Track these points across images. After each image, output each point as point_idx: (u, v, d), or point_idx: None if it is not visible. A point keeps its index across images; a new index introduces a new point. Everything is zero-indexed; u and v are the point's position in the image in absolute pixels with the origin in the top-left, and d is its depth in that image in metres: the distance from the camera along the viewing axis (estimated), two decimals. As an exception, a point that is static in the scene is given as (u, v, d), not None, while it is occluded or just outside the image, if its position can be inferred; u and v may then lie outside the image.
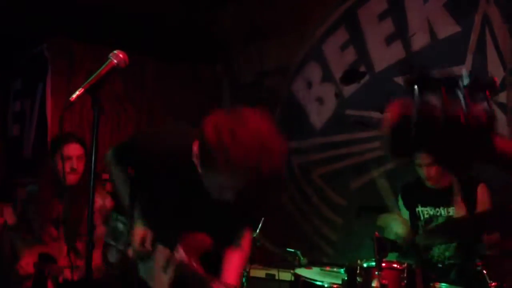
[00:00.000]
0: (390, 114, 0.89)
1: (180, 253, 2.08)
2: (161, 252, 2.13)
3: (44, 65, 4.08)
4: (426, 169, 3.18)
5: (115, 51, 1.76)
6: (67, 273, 2.88)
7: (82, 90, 1.65)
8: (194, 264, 2.06)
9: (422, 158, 3.18)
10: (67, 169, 2.96)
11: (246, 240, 2.19)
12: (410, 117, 0.85)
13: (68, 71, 4.04)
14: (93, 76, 1.69)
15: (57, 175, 3.00)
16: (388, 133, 0.89)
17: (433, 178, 3.20)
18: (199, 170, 1.82)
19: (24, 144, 4.35)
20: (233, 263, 2.12)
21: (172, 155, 1.94)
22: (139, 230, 2.11)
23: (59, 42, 4.10)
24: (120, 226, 2.23)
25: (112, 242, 2.26)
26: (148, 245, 2.10)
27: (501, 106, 3.73)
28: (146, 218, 2.14)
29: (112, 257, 2.25)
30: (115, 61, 1.75)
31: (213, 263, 2.10)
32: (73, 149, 3.01)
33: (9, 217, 3.09)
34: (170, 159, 1.95)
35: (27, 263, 2.95)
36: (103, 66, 1.73)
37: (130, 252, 2.17)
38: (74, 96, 1.63)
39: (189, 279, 2.06)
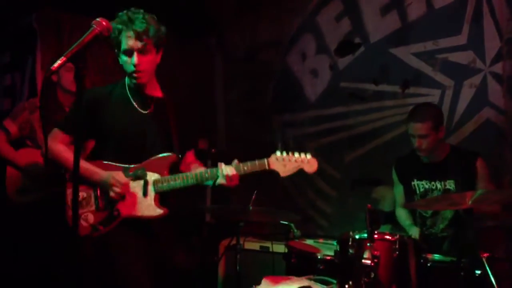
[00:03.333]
0: None
1: (151, 175, 2.50)
2: (134, 184, 2.49)
3: (33, 37, 4.00)
4: (418, 140, 3.16)
5: (97, 19, 1.72)
6: None
7: (64, 58, 1.62)
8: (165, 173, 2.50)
9: (415, 128, 3.15)
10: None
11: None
12: None
13: (57, 42, 3.95)
14: (75, 44, 1.65)
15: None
16: None
17: (425, 150, 3.17)
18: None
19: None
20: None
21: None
22: (109, 174, 2.45)
23: (47, 13, 4.00)
24: (82, 193, 2.50)
25: (81, 210, 2.49)
26: (123, 179, 2.44)
27: (497, 76, 3.70)
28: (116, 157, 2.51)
29: (85, 221, 2.46)
30: (98, 29, 1.71)
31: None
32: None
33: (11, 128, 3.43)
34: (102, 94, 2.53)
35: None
36: (85, 34, 1.69)
37: (110, 196, 2.48)
38: (55, 65, 1.60)
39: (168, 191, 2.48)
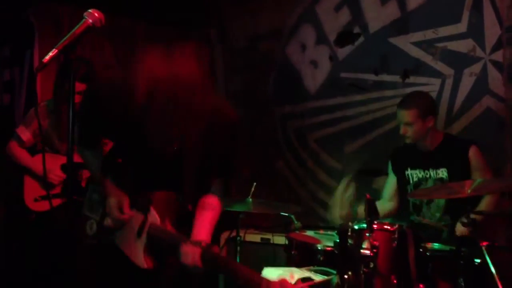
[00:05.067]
0: None
1: (152, 215, 2.06)
2: (136, 217, 2.08)
3: (31, 31, 3.98)
4: (403, 127, 3.17)
5: (90, 10, 1.70)
6: None
7: (56, 51, 1.60)
8: (166, 225, 2.04)
9: (401, 115, 3.16)
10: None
11: (214, 197, 2.16)
12: None
13: (56, 36, 3.93)
14: (67, 36, 1.63)
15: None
16: None
17: (410, 138, 3.18)
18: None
19: (16, 113, 4.29)
20: (204, 220, 2.09)
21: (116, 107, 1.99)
22: (115, 197, 2.08)
23: (45, 7, 3.99)
24: (96, 197, 2.19)
25: (89, 214, 2.22)
26: (126, 210, 2.07)
27: (497, 64, 3.67)
28: (119, 183, 2.13)
29: (90, 228, 2.19)
30: (90, 20, 1.69)
31: (187, 222, 2.07)
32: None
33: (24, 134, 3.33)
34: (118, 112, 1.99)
35: (55, 174, 3.28)
36: (77, 26, 1.67)
37: (106, 222, 2.14)
38: (47, 57, 1.58)
39: (161, 241, 2.03)
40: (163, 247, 2.03)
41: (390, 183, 3.45)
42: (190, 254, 1.89)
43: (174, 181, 2.05)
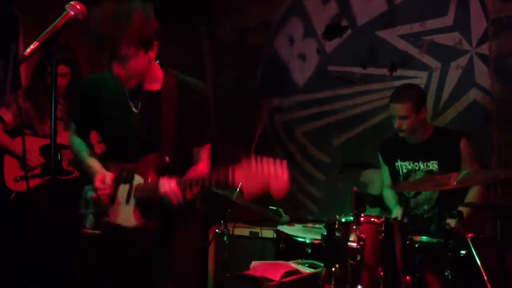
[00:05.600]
0: None
1: (137, 180, 2.19)
2: (122, 189, 2.21)
3: (16, 24, 3.94)
4: (398, 121, 3.17)
5: (71, 2, 1.68)
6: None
7: (37, 43, 1.58)
8: (148, 180, 2.17)
9: (395, 109, 3.16)
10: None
11: (202, 163, 2.28)
12: None
13: (41, 29, 3.88)
14: (48, 29, 1.61)
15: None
16: None
17: (405, 131, 3.18)
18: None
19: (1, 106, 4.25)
20: (188, 173, 2.22)
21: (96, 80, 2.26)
22: (100, 174, 2.22)
23: (30, 0, 3.94)
24: (90, 193, 2.27)
25: (85, 210, 2.29)
26: (110, 183, 2.18)
27: (483, 57, 3.69)
28: (105, 159, 2.30)
29: (88, 222, 2.26)
30: (72, 12, 1.67)
31: (165, 172, 2.16)
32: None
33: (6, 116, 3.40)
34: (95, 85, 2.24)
35: (34, 156, 3.38)
36: (59, 18, 1.65)
37: (102, 213, 2.23)
38: (28, 50, 1.57)
39: (147, 196, 2.15)
40: (151, 203, 2.16)
41: (386, 173, 3.45)
42: (167, 183, 2.07)
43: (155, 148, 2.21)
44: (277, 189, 1.87)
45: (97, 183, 2.18)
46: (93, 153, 2.37)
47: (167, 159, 2.16)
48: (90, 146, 2.41)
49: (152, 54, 2.10)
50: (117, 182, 2.21)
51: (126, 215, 2.18)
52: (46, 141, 3.41)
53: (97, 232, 2.24)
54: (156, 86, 2.21)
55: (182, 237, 2.30)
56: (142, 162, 2.19)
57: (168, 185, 2.06)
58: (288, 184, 1.87)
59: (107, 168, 2.26)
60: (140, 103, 2.19)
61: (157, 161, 2.17)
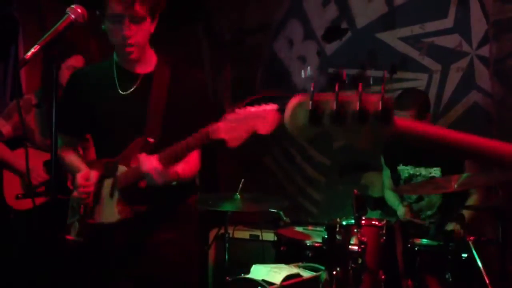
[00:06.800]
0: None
1: (120, 171, 2.11)
2: (106, 184, 2.15)
3: (15, 26, 3.93)
4: None
5: (72, 6, 1.67)
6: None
7: (38, 47, 1.58)
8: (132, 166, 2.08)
9: (399, 116, 3.12)
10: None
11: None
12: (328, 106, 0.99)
13: (40, 31, 3.88)
14: (49, 32, 1.61)
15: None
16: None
17: None
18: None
19: (1, 109, 4.24)
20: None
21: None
22: (82, 171, 2.16)
23: (29, 2, 3.94)
24: (75, 204, 2.21)
25: (72, 219, 2.23)
26: (93, 179, 2.12)
27: (483, 59, 3.68)
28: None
29: (74, 229, 2.20)
30: (73, 16, 1.67)
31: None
32: (76, 61, 3.22)
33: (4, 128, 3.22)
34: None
35: (37, 173, 3.20)
36: (60, 22, 1.64)
37: (87, 216, 2.18)
38: (29, 53, 1.56)
39: (131, 183, 2.08)
40: (136, 189, 2.08)
41: (388, 175, 3.43)
42: (147, 160, 1.98)
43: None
44: (262, 124, 1.89)
45: (80, 180, 2.11)
46: (77, 154, 2.32)
47: (151, 140, 2.07)
48: (76, 150, 2.34)
49: (152, 28, 2.10)
50: (102, 177, 2.15)
51: (109, 211, 2.10)
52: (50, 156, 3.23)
53: (81, 239, 2.16)
54: (148, 68, 2.18)
55: (178, 238, 2.21)
56: (127, 150, 2.10)
57: (149, 163, 1.97)
58: (276, 117, 1.88)
59: (90, 165, 2.20)
60: (129, 85, 2.15)
61: (141, 144, 2.08)
